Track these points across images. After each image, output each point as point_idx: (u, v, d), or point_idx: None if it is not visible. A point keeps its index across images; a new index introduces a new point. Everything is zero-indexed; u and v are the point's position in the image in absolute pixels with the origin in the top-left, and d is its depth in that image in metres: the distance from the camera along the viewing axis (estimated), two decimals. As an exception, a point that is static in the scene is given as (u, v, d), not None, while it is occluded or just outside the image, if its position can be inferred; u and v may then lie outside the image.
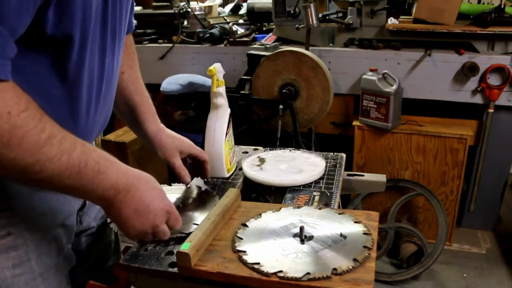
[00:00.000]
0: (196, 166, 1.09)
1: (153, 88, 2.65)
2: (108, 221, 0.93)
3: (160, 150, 1.02)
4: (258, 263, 0.74)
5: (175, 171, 1.02)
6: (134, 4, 0.95)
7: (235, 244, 0.80)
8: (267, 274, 0.71)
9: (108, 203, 0.73)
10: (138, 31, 2.69)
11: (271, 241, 0.80)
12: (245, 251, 0.77)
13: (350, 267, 0.72)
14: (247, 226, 0.85)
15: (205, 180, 1.10)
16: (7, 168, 0.61)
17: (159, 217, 0.77)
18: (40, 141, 0.61)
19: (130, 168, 0.75)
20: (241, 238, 0.81)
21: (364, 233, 0.81)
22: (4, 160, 0.59)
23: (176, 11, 2.76)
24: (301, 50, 2.16)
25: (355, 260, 0.73)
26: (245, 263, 0.75)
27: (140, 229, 0.75)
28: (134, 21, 1.04)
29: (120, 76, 0.96)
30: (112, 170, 0.71)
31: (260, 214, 0.89)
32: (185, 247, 0.74)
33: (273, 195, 1.07)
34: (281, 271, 0.71)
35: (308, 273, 0.71)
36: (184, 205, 0.99)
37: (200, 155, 1.06)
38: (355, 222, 0.85)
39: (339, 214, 0.89)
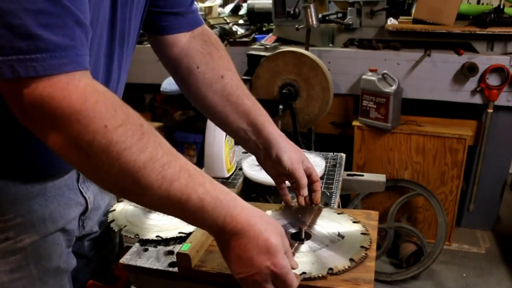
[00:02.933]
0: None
1: (153, 88, 2.65)
2: (109, 222, 0.93)
3: (286, 154, 0.88)
4: None
5: (299, 181, 0.89)
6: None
7: None
8: None
9: (216, 238, 0.67)
10: (138, 31, 2.69)
11: None
12: None
13: (346, 267, 0.72)
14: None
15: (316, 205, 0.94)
16: (112, 188, 0.59)
17: (261, 275, 0.64)
18: (138, 162, 0.56)
19: (248, 209, 0.66)
20: None
21: (362, 233, 0.82)
22: (108, 178, 0.57)
23: (176, 11, 2.76)
24: (301, 50, 2.16)
25: (351, 260, 0.74)
26: None
27: (240, 277, 0.66)
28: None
29: (219, 81, 0.89)
30: (219, 211, 0.63)
31: (260, 214, 0.89)
32: (185, 248, 0.75)
33: (273, 195, 1.08)
34: None
35: (304, 273, 0.71)
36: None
37: (315, 173, 0.93)
38: (354, 222, 0.86)
39: (338, 214, 0.89)
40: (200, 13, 3.30)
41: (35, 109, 0.53)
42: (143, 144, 0.57)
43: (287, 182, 0.94)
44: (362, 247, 0.77)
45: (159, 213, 0.94)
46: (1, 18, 0.50)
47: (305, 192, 0.90)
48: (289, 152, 0.89)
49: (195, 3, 0.92)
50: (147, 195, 0.59)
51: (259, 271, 0.64)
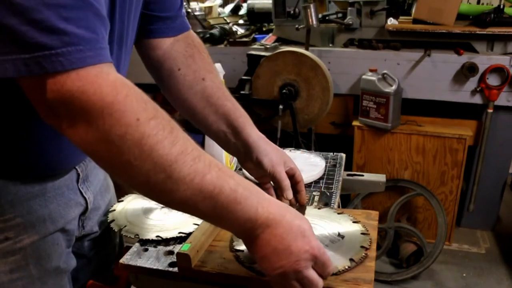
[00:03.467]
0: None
1: (153, 88, 2.65)
2: (109, 222, 0.93)
3: (266, 157, 0.88)
4: (255, 263, 0.74)
5: (281, 183, 0.88)
6: (182, 4, 0.91)
7: (233, 244, 0.80)
8: (263, 274, 0.72)
9: (246, 236, 0.65)
10: (138, 31, 2.69)
11: None
12: (242, 251, 0.78)
13: (346, 267, 0.72)
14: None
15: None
16: (143, 185, 0.57)
17: (302, 261, 0.63)
18: (170, 155, 0.55)
19: (275, 201, 0.66)
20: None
21: (362, 233, 0.82)
22: (139, 175, 0.55)
23: (176, 11, 2.77)
24: (301, 50, 2.16)
25: (351, 260, 0.74)
26: (242, 262, 0.75)
27: (279, 271, 0.63)
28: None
29: (200, 83, 0.90)
30: (251, 202, 0.62)
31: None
32: (185, 248, 0.75)
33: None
34: None
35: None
36: None
37: (298, 173, 0.92)
38: (354, 222, 0.86)
39: (338, 214, 0.89)
40: (200, 13, 3.26)
41: (64, 105, 0.52)
42: (174, 137, 0.57)
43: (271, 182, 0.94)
44: (362, 247, 0.77)
45: (160, 212, 0.94)
46: (23, 14, 0.49)
47: (289, 194, 0.89)
48: (270, 154, 0.89)
49: (184, 8, 0.93)
50: (179, 191, 0.57)
51: (298, 258, 0.63)
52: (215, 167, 0.60)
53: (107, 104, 0.53)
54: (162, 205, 0.94)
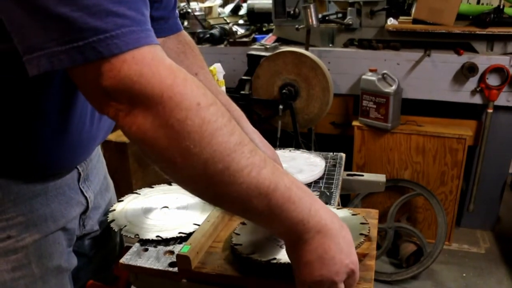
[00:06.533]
0: None
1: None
2: (109, 222, 0.93)
3: (261, 149, 0.92)
4: (253, 253, 0.74)
5: None
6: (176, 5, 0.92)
7: (232, 239, 0.80)
8: (260, 262, 0.72)
9: (293, 239, 0.62)
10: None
11: (268, 236, 0.80)
12: (241, 244, 0.78)
13: None
14: (246, 224, 0.85)
15: None
16: (198, 176, 0.54)
17: (340, 273, 0.62)
18: (229, 144, 0.53)
19: (324, 205, 0.63)
20: (238, 234, 0.82)
21: (362, 223, 0.81)
22: (197, 164, 0.52)
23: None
24: (301, 50, 2.16)
25: None
26: (239, 254, 0.75)
27: (317, 279, 0.62)
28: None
29: None
30: (304, 203, 0.59)
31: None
32: (185, 249, 0.75)
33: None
34: (274, 258, 0.71)
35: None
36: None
37: None
38: (353, 215, 0.85)
39: (338, 209, 0.89)
40: (200, 13, 3.26)
41: (122, 90, 0.51)
42: (232, 126, 0.55)
43: None
44: (361, 234, 0.76)
45: (160, 212, 0.94)
46: (74, 1, 0.48)
47: None
48: (264, 148, 0.90)
49: (177, 8, 0.94)
50: (236, 184, 0.54)
51: (339, 270, 0.62)
52: (270, 162, 0.58)
53: (167, 87, 0.51)
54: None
